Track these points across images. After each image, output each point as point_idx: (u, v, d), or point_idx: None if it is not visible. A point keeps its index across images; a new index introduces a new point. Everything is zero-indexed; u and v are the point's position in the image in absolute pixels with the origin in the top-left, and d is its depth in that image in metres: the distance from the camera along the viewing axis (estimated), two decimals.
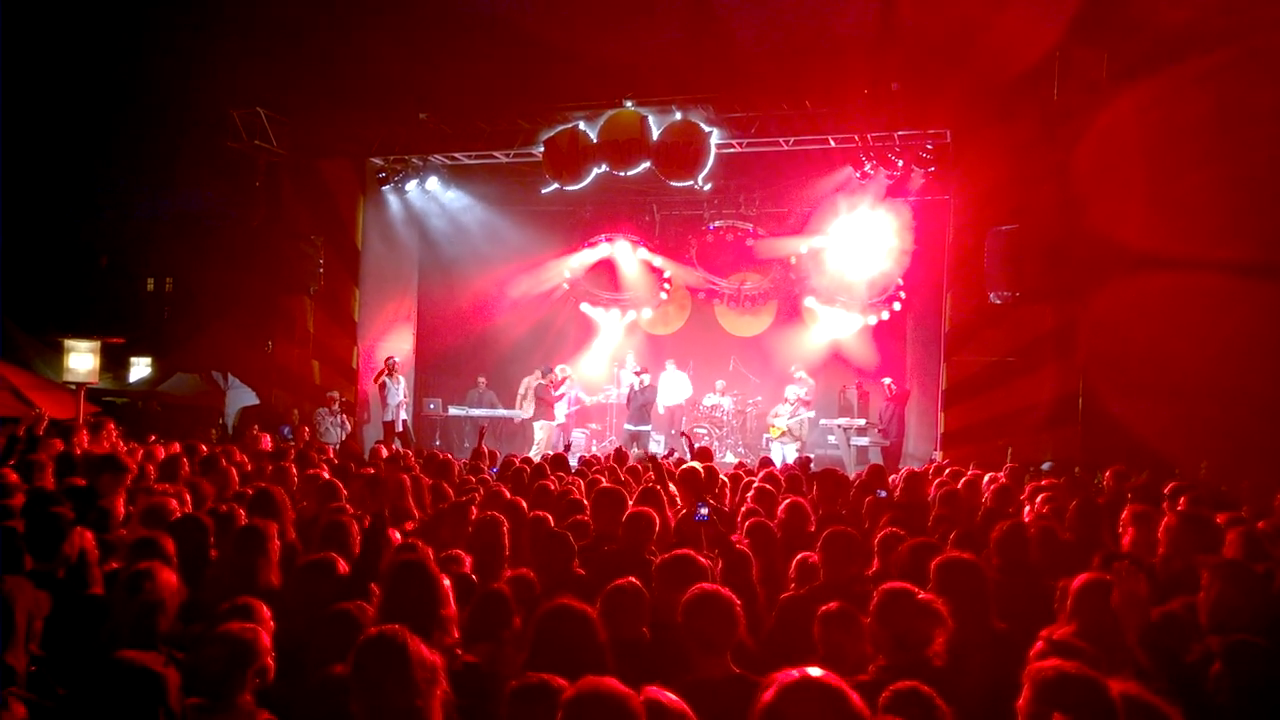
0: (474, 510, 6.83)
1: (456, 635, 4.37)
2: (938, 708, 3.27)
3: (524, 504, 7.23)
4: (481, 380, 20.14)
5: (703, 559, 4.86)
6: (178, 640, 4.20)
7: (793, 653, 4.28)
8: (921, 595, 4.01)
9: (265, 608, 4.16)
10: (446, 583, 4.42)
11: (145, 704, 3.13)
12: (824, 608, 4.37)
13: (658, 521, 6.20)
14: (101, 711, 3.07)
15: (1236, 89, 13.28)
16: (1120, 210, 13.43)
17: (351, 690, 3.19)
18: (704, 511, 6.70)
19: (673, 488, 8.16)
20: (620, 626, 4.31)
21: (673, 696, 3.07)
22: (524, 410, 20.03)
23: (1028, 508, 7.98)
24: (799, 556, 5.76)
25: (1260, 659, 3.78)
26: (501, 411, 20.01)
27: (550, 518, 6.64)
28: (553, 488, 8.31)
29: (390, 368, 17.88)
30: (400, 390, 18.08)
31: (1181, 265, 12.68)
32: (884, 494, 8.42)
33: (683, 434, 15.19)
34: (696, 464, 8.83)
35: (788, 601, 5.32)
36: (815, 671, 2.83)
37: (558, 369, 19.22)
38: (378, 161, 18.89)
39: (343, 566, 4.90)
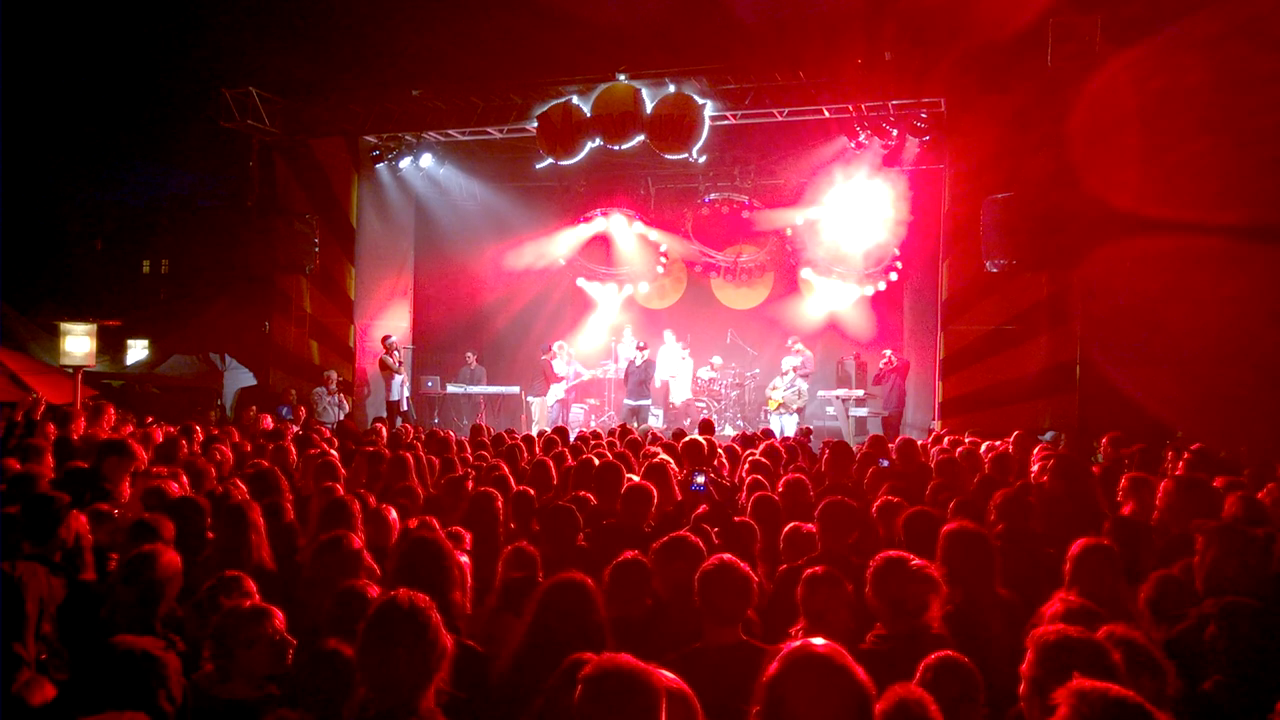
0: (470, 485, 6.85)
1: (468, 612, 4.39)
2: (976, 679, 3.31)
3: (512, 479, 7.24)
4: (471, 357, 19.90)
5: (696, 539, 4.76)
6: (174, 622, 4.21)
7: (791, 624, 4.32)
8: (915, 562, 4.02)
9: (252, 582, 4.16)
10: (464, 560, 4.42)
11: (145, 688, 3.13)
12: (809, 571, 4.37)
13: (655, 495, 6.21)
14: (102, 696, 3.06)
15: (1232, 54, 13.19)
16: (1116, 176, 13.39)
17: (359, 649, 3.04)
18: (700, 480, 6.68)
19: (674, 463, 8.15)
20: (627, 602, 4.35)
21: (670, 675, 3.03)
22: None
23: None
24: (789, 527, 5.78)
25: (1254, 620, 3.80)
26: (498, 388, 19.96)
27: (533, 492, 6.65)
28: (550, 464, 8.31)
29: (389, 347, 17.85)
30: (402, 369, 18.07)
31: (1177, 230, 12.65)
32: (886, 463, 8.43)
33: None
34: (699, 437, 8.84)
35: (786, 573, 5.33)
36: (818, 642, 2.83)
37: (555, 345, 19.19)
38: (371, 139, 18.80)
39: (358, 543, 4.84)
